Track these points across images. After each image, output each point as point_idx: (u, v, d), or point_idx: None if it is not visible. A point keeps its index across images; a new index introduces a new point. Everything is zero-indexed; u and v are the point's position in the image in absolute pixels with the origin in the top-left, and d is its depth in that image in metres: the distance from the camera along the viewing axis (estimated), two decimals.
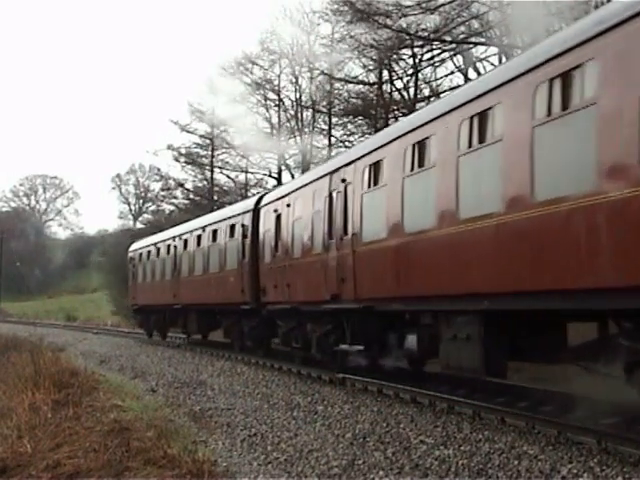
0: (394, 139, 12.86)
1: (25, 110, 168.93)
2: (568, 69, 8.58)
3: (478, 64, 26.11)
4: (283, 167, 39.97)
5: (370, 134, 27.63)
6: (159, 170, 53.50)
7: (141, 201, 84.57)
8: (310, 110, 36.72)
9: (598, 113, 8.01)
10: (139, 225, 70.19)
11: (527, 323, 9.98)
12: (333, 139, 34.56)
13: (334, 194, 15.20)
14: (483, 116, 10.21)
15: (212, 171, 44.64)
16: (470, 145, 10.45)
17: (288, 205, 18.04)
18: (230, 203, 33.91)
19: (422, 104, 25.94)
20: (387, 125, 25.46)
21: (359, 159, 14.24)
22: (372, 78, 30.77)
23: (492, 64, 24.71)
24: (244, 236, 21.27)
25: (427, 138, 11.65)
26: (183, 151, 44.42)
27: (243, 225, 21.46)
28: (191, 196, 46.54)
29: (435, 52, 27.02)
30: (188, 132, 43.95)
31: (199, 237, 25.71)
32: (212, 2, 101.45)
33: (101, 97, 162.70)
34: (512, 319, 10.12)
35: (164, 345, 29.39)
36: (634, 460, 7.63)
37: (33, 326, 41.07)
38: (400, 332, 13.02)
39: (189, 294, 26.41)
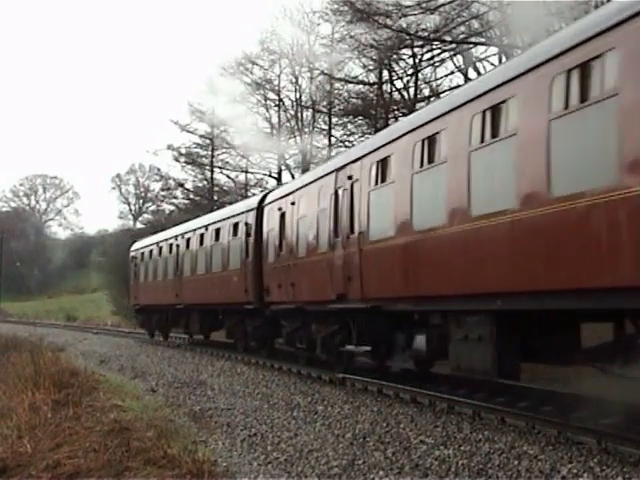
0: (402, 135, 12.57)
1: (25, 110, 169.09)
2: (587, 59, 8.28)
3: (478, 64, 26.15)
4: (283, 167, 40.05)
5: (370, 134, 27.64)
6: (159, 170, 53.66)
7: (141, 201, 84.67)
8: (310, 110, 36.76)
9: (619, 104, 7.74)
10: (139, 225, 70.28)
11: (540, 323, 9.74)
12: (333, 139, 34.63)
13: (340, 192, 14.94)
14: (496, 110, 9.93)
15: (212, 171, 44.69)
16: (482, 140, 10.17)
17: (292, 203, 17.80)
18: (230, 203, 33.87)
19: (422, 104, 25.95)
20: (387, 125, 25.45)
21: (366, 156, 13.97)
22: (372, 78, 30.83)
23: (492, 64, 24.74)
24: (247, 235, 21.11)
25: (437, 133, 11.37)
26: (183, 151, 44.52)
27: (246, 224, 21.27)
28: (191, 196, 46.58)
29: (435, 52, 27.06)
30: (188, 132, 44.06)
31: (202, 236, 25.55)
32: (212, 2, 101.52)
33: (101, 97, 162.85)
34: (525, 319, 9.87)
35: (164, 345, 29.38)
36: (634, 460, 7.63)
37: (33, 326, 41.09)
38: (408, 332, 12.76)
39: (191, 294, 26.27)
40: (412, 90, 29.02)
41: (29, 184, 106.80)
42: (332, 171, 15.60)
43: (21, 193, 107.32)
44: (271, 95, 39.75)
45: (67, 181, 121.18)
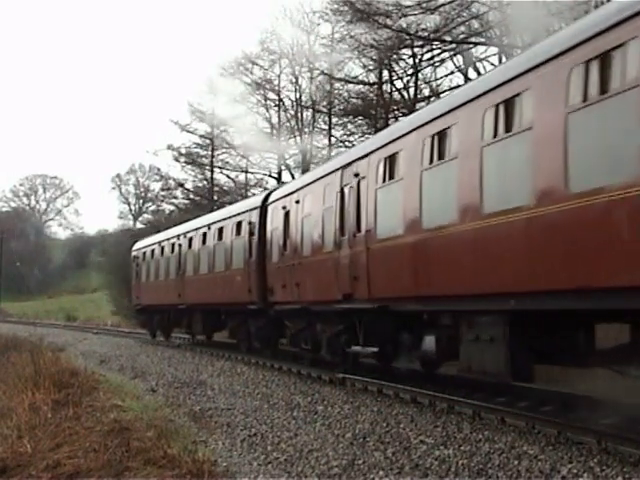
0: (411, 130, 12.25)
1: (25, 110, 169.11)
2: (608, 49, 7.95)
3: (478, 64, 26.16)
4: (283, 167, 40.05)
5: (370, 134, 27.65)
6: (159, 170, 53.69)
7: (141, 201, 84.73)
8: (310, 110, 36.76)
9: None
10: (139, 225, 70.31)
11: (553, 324, 9.48)
12: (333, 139, 34.64)
13: (346, 189, 14.66)
14: (510, 103, 9.60)
15: (212, 171, 44.68)
16: (495, 135, 9.86)
17: (297, 202, 17.50)
18: (230, 203, 33.81)
19: (422, 104, 25.96)
20: (387, 125, 25.45)
21: (373, 152, 13.67)
22: (372, 78, 30.84)
23: (492, 64, 24.75)
24: (251, 234, 20.85)
25: (448, 128, 11.05)
26: (183, 151, 44.49)
27: (250, 223, 21.03)
28: (191, 196, 46.55)
29: (435, 52, 27.06)
30: (188, 132, 44.04)
31: (204, 235, 25.33)
32: (212, 2, 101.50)
33: (101, 97, 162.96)
34: (539, 319, 9.60)
35: (164, 345, 29.34)
36: (634, 460, 7.63)
37: (33, 326, 41.05)
38: (417, 333, 12.49)
39: (194, 294, 26.07)
40: (412, 90, 29.04)
41: (29, 184, 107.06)
42: (338, 168, 15.30)
43: (21, 193, 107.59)
44: (271, 95, 39.80)
45: (67, 181, 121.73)
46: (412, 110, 24.53)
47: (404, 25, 24.24)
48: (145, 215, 73.68)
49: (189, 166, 45.03)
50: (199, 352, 24.69)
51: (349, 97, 32.20)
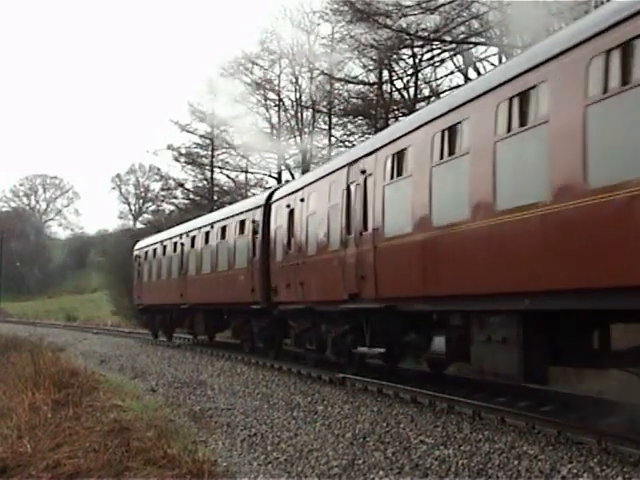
0: (420, 126, 11.95)
1: (25, 110, 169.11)
2: (629, 38, 7.62)
3: (478, 64, 26.18)
4: (283, 167, 40.05)
5: (370, 134, 27.65)
6: (159, 170, 53.72)
7: (141, 201, 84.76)
8: (310, 110, 36.77)
9: None
10: (139, 225, 70.36)
11: (568, 324, 9.19)
12: (333, 139, 34.65)
13: (352, 187, 14.41)
14: (524, 97, 9.28)
15: (212, 171, 44.68)
16: (509, 129, 9.53)
17: (302, 200, 17.20)
18: (230, 203, 33.79)
19: (422, 104, 25.97)
20: (387, 125, 25.45)
21: (380, 149, 13.37)
22: (372, 78, 30.86)
23: (492, 64, 24.76)
24: (254, 233, 20.64)
25: (459, 123, 10.75)
26: (183, 151, 44.49)
27: (254, 221, 20.80)
28: (191, 196, 46.54)
29: (435, 52, 27.07)
30: (188, 132, 44.04)
31: (207, 234, 25.11)
32: (212, 2, 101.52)
33: (101, 97, 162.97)
34: (553, 319, 9.30)
35: (164, 345, 29.32)
36: (634, 460, 7.62)
37: (33, 326, 41.10)
38: (425, 333, 12.25)
39: (196, 293, 25.90)
40: (412, 90, 29.05)
41: (29, 184, 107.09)
42: (344, 165, 15.03)
43: (21, 193, 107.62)
44: (271, 95, 39.80)
45: (67, 181, 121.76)
46: (412, 110, 24.54)
47: (404, 25, 24.26)
48: (145, 215, 73.81)
49: (189, 166, 45.07)
50: (199, 352, 24.67)
51: (349, 97, 32.22)
